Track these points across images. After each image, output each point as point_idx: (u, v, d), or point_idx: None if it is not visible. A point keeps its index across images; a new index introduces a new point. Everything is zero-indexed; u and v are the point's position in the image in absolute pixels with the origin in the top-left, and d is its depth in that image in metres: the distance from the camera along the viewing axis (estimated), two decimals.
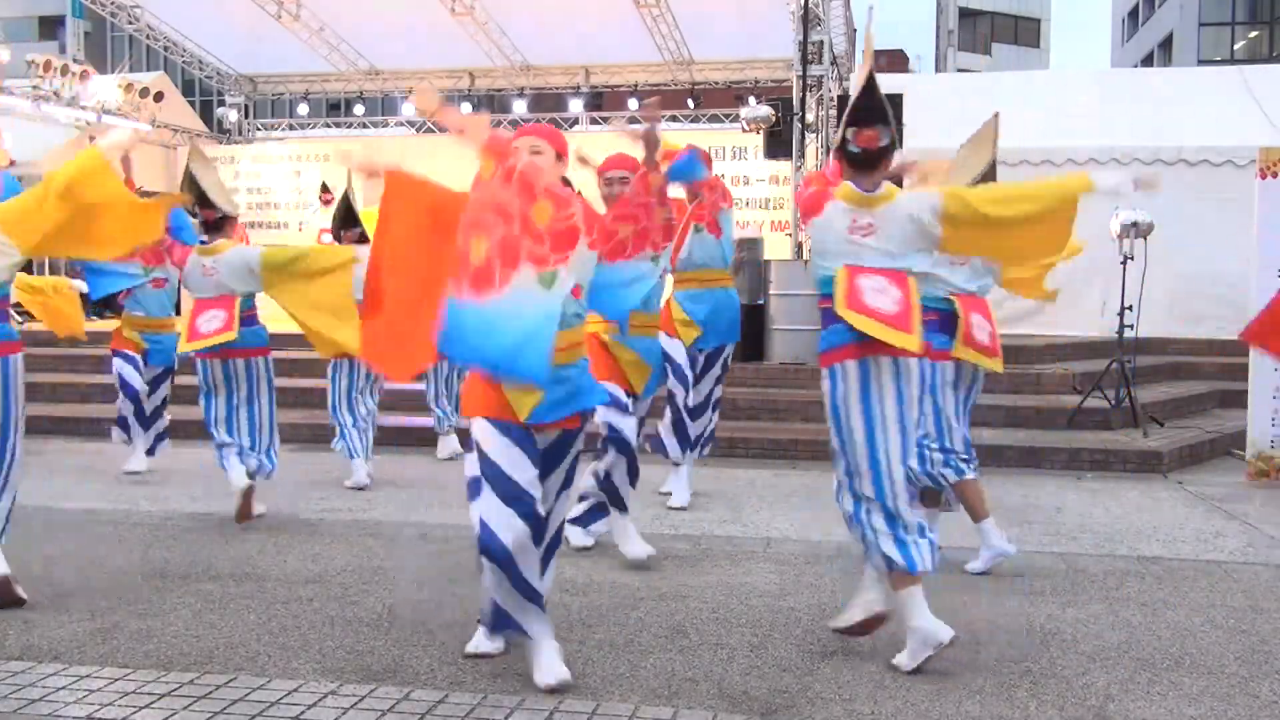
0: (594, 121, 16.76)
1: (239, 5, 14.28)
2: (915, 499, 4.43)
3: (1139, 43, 46.76)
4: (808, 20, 11.27)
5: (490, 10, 14.56)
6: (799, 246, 12.35)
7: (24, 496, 6.37)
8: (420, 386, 8.35)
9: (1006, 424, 8.56)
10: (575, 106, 16.28)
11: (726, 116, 15.83)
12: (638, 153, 4.10)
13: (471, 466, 3.55)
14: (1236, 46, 40.86)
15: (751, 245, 10.54)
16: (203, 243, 5.99)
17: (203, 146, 16.87)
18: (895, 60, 42.62)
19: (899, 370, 3.69)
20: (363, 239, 6.72)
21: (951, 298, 4.74)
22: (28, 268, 7.78)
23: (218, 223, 5.97)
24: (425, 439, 8.48)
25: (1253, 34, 41.23)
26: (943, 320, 4.69)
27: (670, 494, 6.40)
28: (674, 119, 16.51)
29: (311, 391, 9.41)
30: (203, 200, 5.89)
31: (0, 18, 43.51)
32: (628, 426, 4.92)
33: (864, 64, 3.84)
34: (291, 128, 17.97)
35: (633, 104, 16.24)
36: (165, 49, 16.17)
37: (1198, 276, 10.85)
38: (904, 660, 3.65)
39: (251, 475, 5.90)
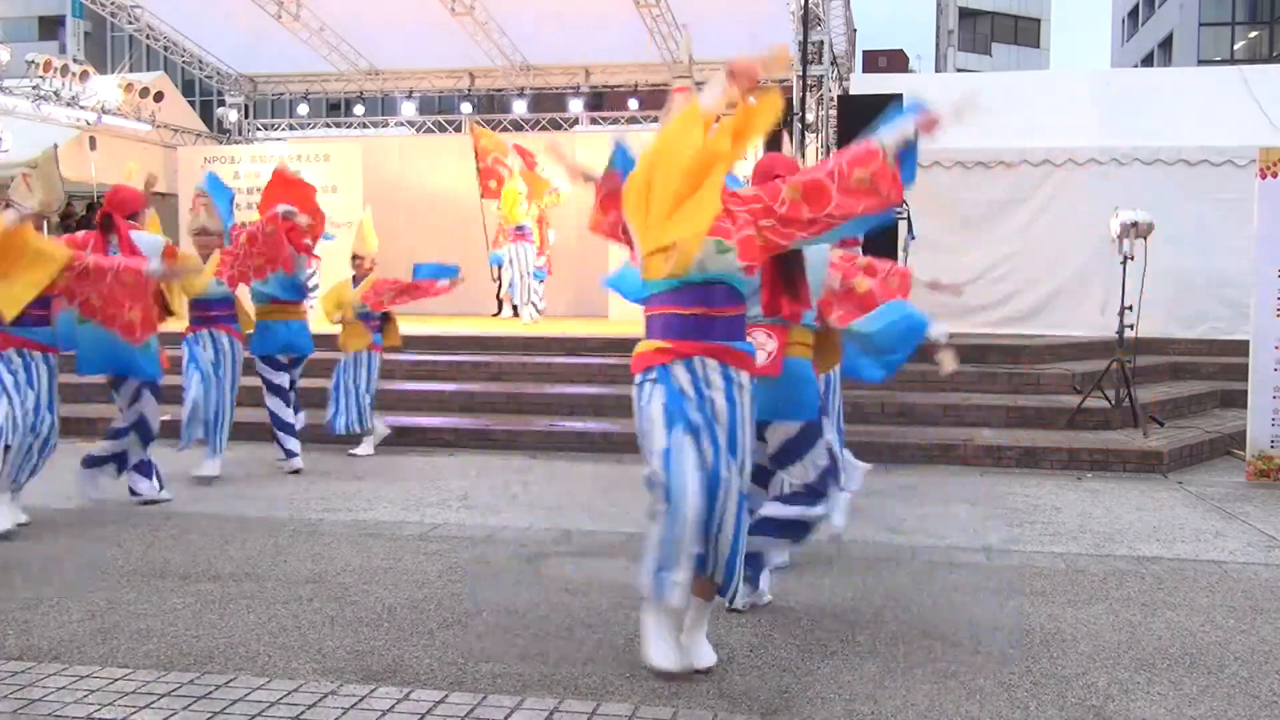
0: (594, 121, 16.76)
1: (239, 5, 14.27)
2: None
3: (1139, 43, 46.79)
4: (808, 20, 11.28)
5: (490, 10, 14.56)
6: None
7: (24, 496, 6.39)
8: (420, 386, 8.38)
9: (1006, 424, 8.56)
10: (575, 106, 16.28)
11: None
12: None
13: None
14: (1236, 46, 40.91)
15: None
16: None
17: (203, 146, 16.94)
18: (895, 60, 42.68)
19: None
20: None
21: None
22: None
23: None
24: (426, 439, 8.48)
25: (1253, 34, 41.27)
26: None
27: None
28: None
29: (311, 392, 9.42)
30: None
31: (0, 18, 43.62)
32: None
33: None
34: (291, 128, 17.96)
35: (633, 104, 16.25)
36: (165, 49, 16.16)
37: (1198, 276, 10.86)
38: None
39: None
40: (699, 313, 3.56)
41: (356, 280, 8.22)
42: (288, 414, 7.61)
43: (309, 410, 8.35)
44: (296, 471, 7.46)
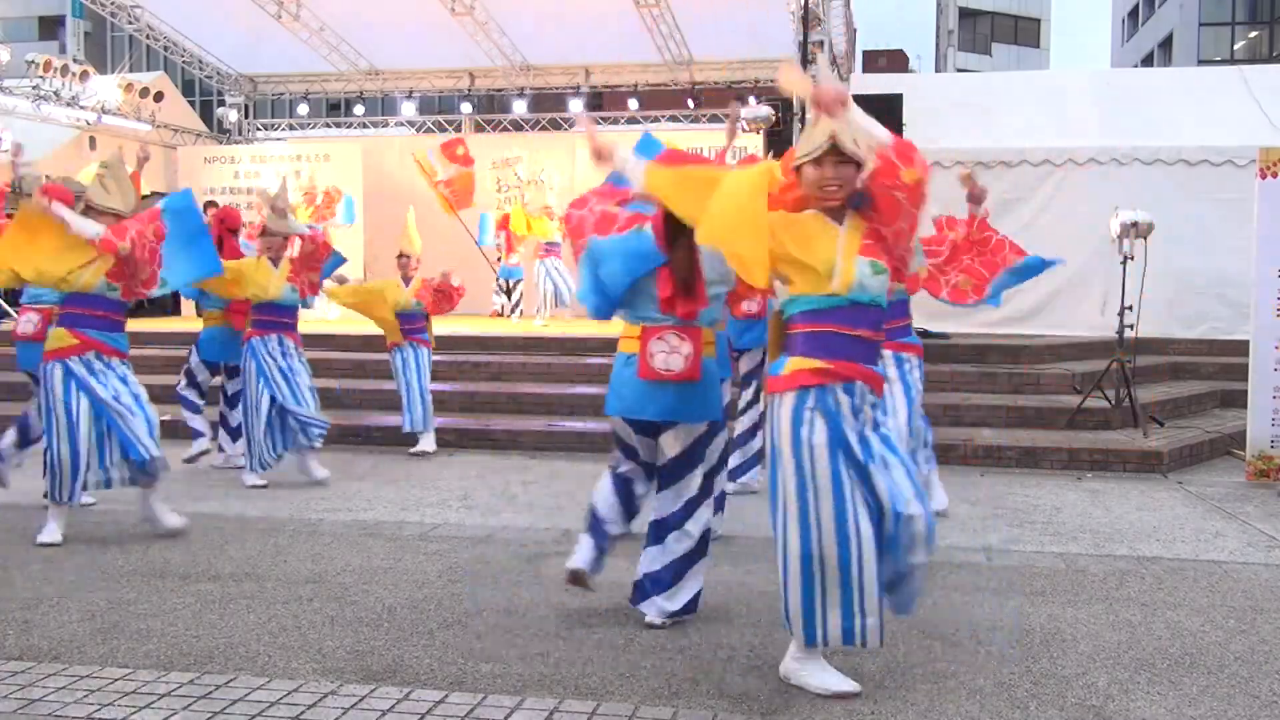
0: (594, 121, 16.76)
1: (239, 5, 14.28)
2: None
3: (1139, 43, 46.80)
4: (808, 20, 11.28)
5: (490, 10, 14.57)
6: None
7: (24, 496, 6.40)
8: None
9: (1006, 424, 8.56)
10: (575, 106, 16.29)
11: (726, 116, 15.81)
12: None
13: None
14: (1236, 46, 40.92)
15: None
16: None
17: (203, 146, 16.95)
18: (895, 60, 42.67)
19: None
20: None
21: None
22: None
23: None
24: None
25: (1253, 34, 41.28)
26: None
27: None
28: (674, 119, 16.53)
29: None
30: None
31: (0, 18, 43.64)
32: None
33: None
34: (291, 128, 17.97)
35: (633, 104, 16.25)
36: (165, 49, 16.17)
37: (1198, 276, 10.86)
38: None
39: None
40: (860, 334, 3.42)
41: (405, 280, 8.30)
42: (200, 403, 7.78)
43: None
44: (194, 459, 7.57)
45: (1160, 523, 6.14)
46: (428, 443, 8.30)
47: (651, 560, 4.18)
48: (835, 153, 3.43)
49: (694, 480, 4.16)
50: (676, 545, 4.14)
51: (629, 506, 4.29)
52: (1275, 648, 4.00)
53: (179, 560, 5.11)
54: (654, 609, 4.15)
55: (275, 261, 7.04)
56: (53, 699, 3.39)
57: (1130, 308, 8.43)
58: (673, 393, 4.06)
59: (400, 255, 8.38)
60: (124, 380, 5.57)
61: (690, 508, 4.15)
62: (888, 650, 3.89)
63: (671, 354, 4.05)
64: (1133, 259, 8.43)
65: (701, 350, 4.06)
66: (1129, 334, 8.54)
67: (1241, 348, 8.12)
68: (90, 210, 5.48)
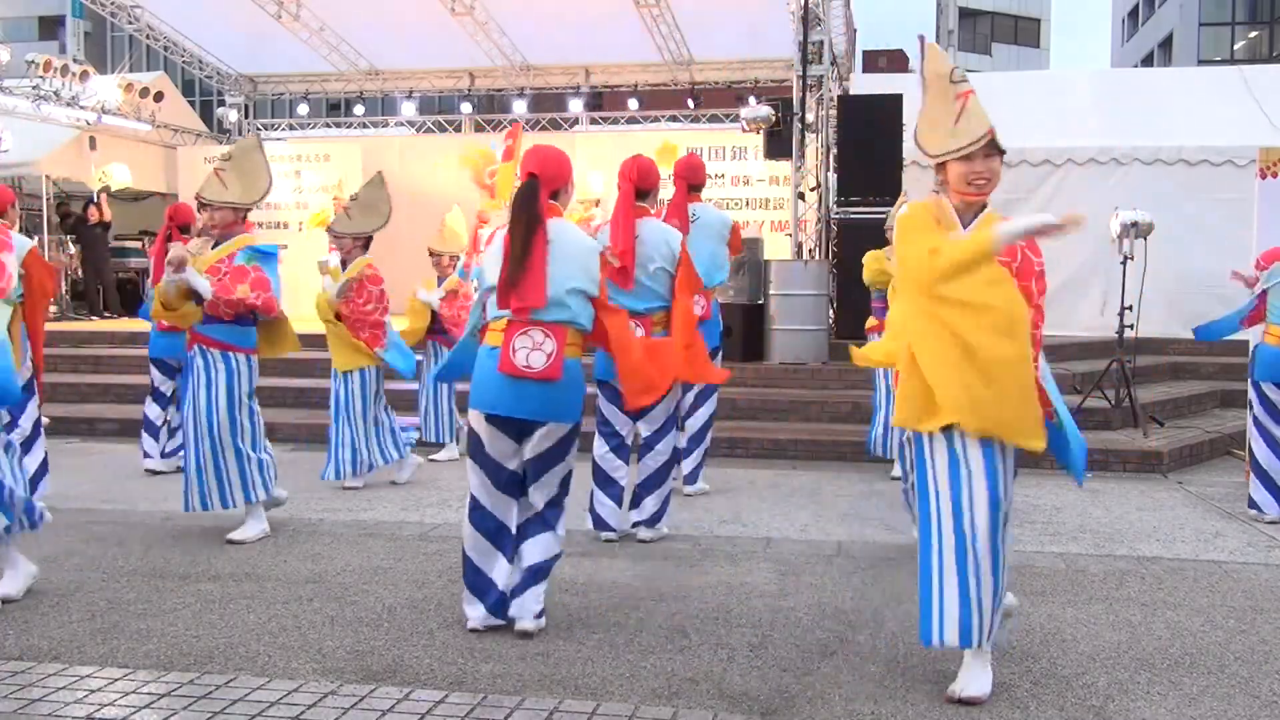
0: (594, 121, 16.76)
1: (239, 5, 14.27)
2: None
3: (1139, 43, 46.82)
4: (808, 20, 11.28)
5: (490, 10, 14.57)
6: (799, 247, 12.36)
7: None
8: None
9: None
10: (575, 106, 16.29)
11: (726, 116, 15.83)
12: None
13: None
14: (1236, 46, 40.94)
15: (751, 245, 10.53)
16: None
17: (203, 146, 16.93)
18: (895, 60, 42.61)
19: None
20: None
21: None
22: None
23: None
24: (425, 439, 8.46)
25: (1253, 34, 41.30)
26: None
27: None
28: (674, 119, 16.53)
29: (311, 391, 9.41)
30: None
31: (0, 18, 43.63)
32: None
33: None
34: (291, 128, 17.96)
35: (633, 104, 16.25)
36: (165, 49, 16.16)
37: (1198, 276, 10.85)
38: None
39: None
40: None
41: (440, 279, 8.15)
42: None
43: (297, 410, 8.35)
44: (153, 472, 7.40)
45: (1160, 523, 6.14)
46: (450, 452, 8.11)
47: (530, 555, 4.08)
48: (988, 145, 3.39)
49: (557, 477, 4.12)
50: (547, 545, 4.09)
51: (507, 546, 4.12)
52: (1275, 648, 4.00)
53: (179, 560, 5.11)
54: (522, 608, 4.02)
55: (346, 263, 6.92)
56: (53, 699, 3.39)
57: (1130, 308, 8.43)
58: (536, 392, 3.94)
59: (432, 253, 8.24)
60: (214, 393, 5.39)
61: (556, 510, 4.14)
62: (887, 650, 3.90)
63: (534, 350, 3.94)
64: (1133, 259, 8.44)
65: (564, 350, 3.97)
66: (1129, 334, 8.54)
67: (1241, 348, 8.12)
68: (205, 207, 5.41)
